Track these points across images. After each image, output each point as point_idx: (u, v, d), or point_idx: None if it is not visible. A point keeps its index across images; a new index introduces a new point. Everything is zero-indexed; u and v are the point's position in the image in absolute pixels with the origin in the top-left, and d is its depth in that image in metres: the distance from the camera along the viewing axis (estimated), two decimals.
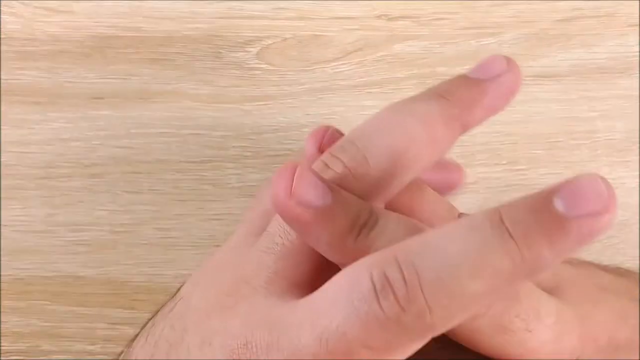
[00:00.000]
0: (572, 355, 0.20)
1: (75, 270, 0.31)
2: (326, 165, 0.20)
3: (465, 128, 0.21)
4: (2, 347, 0.30)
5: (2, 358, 0.30)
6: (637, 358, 0.21)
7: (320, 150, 0.23)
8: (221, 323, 0.19)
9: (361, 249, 0.18)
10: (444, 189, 0.25)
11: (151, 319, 0.23)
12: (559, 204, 0.15)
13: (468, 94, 0.21)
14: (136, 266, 0.31)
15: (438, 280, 0.16)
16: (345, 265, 0.18)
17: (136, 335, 0.23)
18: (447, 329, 0.17)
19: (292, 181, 0.18)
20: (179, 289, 0.23)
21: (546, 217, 0.16)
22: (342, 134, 0.23)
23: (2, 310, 0.30)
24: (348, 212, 0.19)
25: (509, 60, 0.21)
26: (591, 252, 0.31)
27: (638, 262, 0.31)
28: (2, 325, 0.30)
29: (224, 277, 0.21)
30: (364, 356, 0.17)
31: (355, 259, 0.18)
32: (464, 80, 0.21)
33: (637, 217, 0.31)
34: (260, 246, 0.21)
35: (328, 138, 0.22)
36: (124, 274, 0.31)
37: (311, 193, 0.18)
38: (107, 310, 0.30)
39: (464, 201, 0.30)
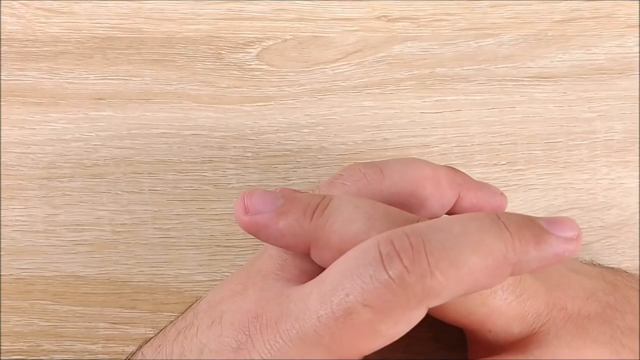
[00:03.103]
0: (537, 319, 0.22)
1: (76, 270, 0.31)
2: (341, 174, 0.23)
3: (461, 198, 0.25)
4: (3, 347, 0.30)
5: (3, 358, 0.30)
6: (607, 330, 0.22)
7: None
8: (231, 305, 0.21)
9: (320, 226, 0.20)
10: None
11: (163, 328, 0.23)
12: (542, 223, 0.19)
13: (468, 177, 0.25)
14: (137, 266, 0.31)
15: (442, 249, 0.18)
16: (312, 254, 0.21)
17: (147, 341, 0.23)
18: (441, 302, 0.18)
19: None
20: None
21: (534, 225, 0.19)
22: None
23: (3, 310, 0.30)
24: (300, 204, 0.21)
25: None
26: (590, 252, 0.31)
27: (637, 262, 0.31)
28: (3, 325, 0.30)
29: (238, 273, 0.23)
30: (365, 316, 0.18)
31: (317, 239, 0.20)
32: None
33: (637, 217, 0.32)
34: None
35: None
36: (124, 273, 0.31)
37: (261, 203, 0.21)
38: (107, 310, 0.30)
39: None
